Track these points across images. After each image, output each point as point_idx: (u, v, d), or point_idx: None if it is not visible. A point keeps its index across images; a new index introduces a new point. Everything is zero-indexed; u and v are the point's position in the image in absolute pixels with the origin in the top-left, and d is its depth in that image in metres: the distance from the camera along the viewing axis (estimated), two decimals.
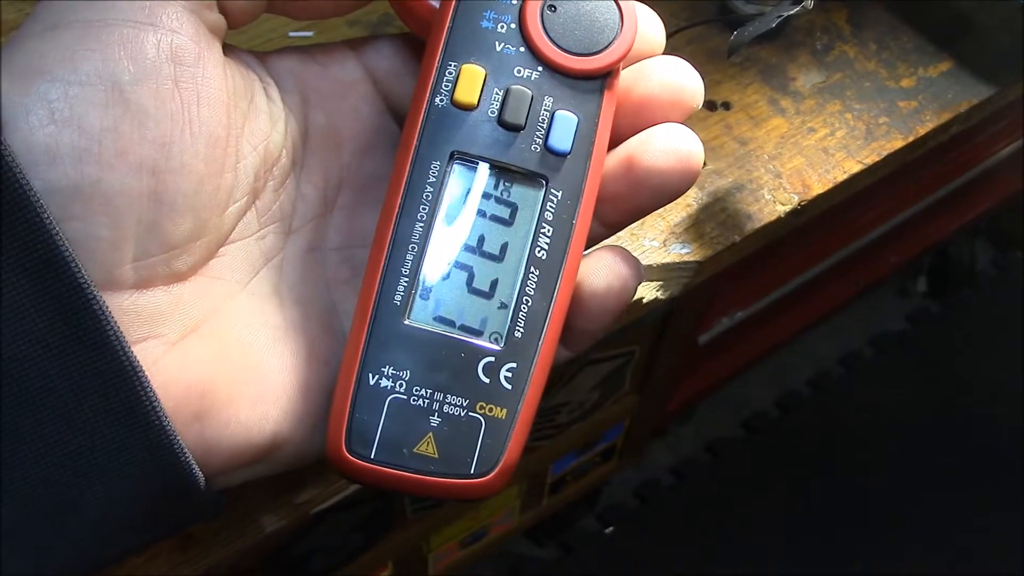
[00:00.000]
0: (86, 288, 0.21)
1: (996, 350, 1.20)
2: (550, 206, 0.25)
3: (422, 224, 0.25)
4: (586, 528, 1.10)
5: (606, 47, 0.25)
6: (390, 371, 0.25)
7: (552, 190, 0.25)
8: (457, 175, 0.25)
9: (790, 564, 1.07)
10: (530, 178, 0.26)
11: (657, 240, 0.44)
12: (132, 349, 0.22)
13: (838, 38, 0.52)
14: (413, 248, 0.25)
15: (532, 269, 0.25)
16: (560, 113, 0.25)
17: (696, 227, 0.44)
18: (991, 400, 1.17)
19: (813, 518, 1.09)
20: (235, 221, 0.25)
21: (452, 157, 0.25)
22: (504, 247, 0.26)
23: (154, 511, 0.24)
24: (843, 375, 1.21)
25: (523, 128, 0.25)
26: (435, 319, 0.25)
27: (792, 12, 0.40)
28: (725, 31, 0.50)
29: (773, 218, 0.45)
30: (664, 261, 0.43)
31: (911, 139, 0.48)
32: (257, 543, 0.39)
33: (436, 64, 0.25)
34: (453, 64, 0.25)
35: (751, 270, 0.75)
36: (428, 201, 0.25)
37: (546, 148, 0.25)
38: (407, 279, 0.25)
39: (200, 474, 0.23)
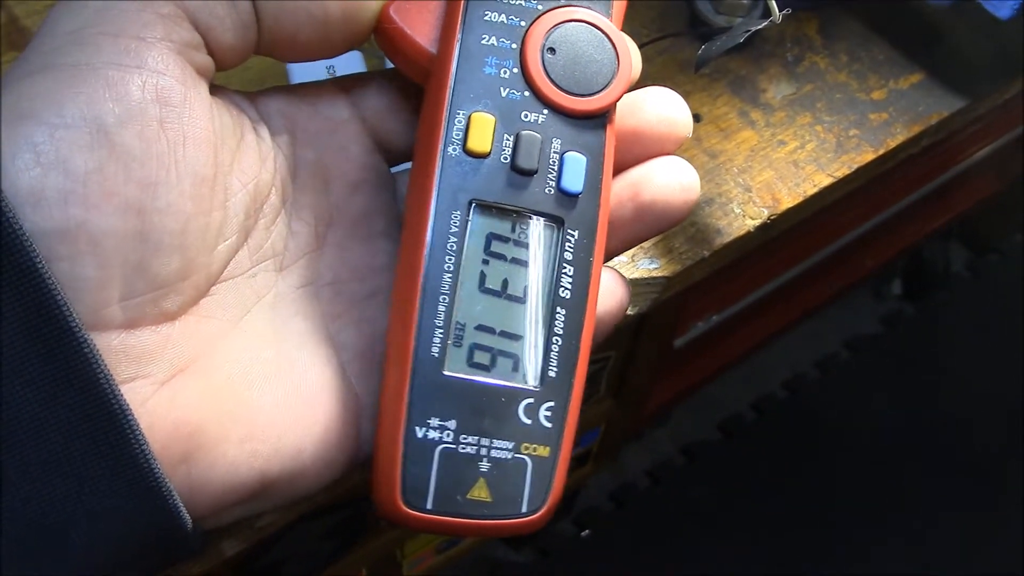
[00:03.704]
0: (77, 332, 0.21)
1: (970, 352, 1.21)
2: (568, 246, 0.26)
3: (450, 275, 0.25)
4: (562, 532, 1.10)
5: (606, 85, 0.26)
6: (436, 423, 0.25)
7: (568, 230, 0.26)
8: (477, 223, 0.26)
9: (766, 566, 1.07)
10: (546, 220, 0.26)
11: (625, 255, 0.43)
12: (122, 391, 0.22)
13: (809, 49, 0.51)
14: (444, 299, 0.25)
15: (558, 309, 0.26)
16: (569, 154, 0.26)
17: (664, 242, 0.44)
18: (965, 402, 1.17)
19: (789, 520, 1.09)
20: (226, 259, 0.25)
21: (471, 206, 0.25)
22: (527, 289, 0.26)
23: (141, 552, 0.24)
24: (818, 377, 1.21)
25: (536, 172, 0.26)
26: (471, 366, 0.25)
27: (760, 26, 0.40)
28: (696, 42, 0.50)
29: (742, 233, 0.45)
30: (632, 277, 0.43)
31: (881, 152, 0.48)
32: (216, 567, 0.39)
33: (444, 113, 0.25)
34: (462, 112, 0.25)
35: (726, 274, 0.75)
36: (453, 252, 0.25)
37: (559, 190, 0.26)
38: (442, 331, 0.25)
39: (188, 517, 0.23)
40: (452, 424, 0.25)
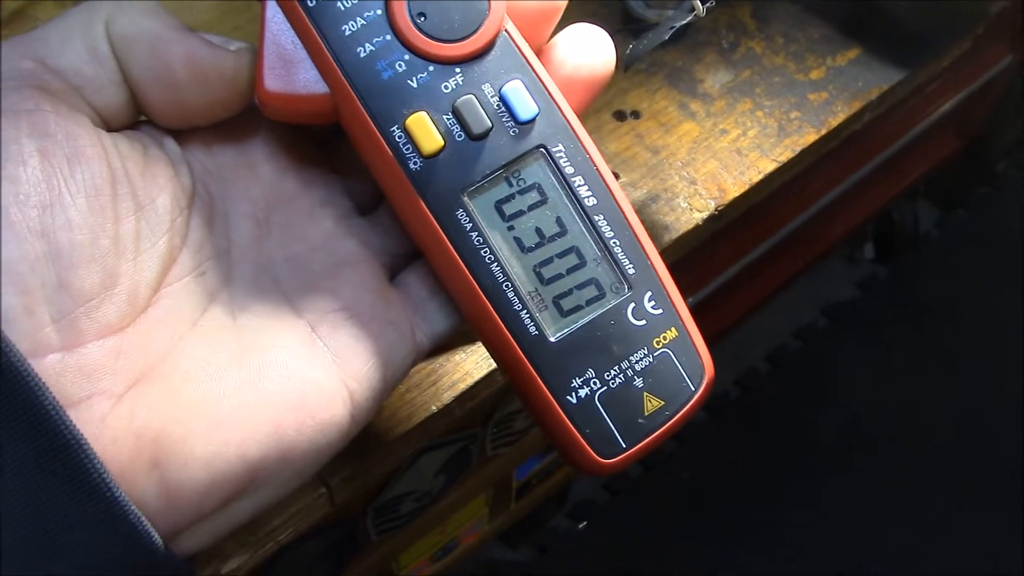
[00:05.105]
0: (19, 364, 0.21)
1: (946, 310, 1.21)
2: (563, 162, 0.27)
3: (495, 264, 0.26)
4: (558, 526, 1.10)
5: (488, 10, 0.26)
6: (578, 382, 0.27)
7: (552, 149, 0.26)
8: (480, 205, 0.26)
9: (758, 545, 1.07)
10: (530, 155, 0.26)
11: None
12: (74, 416, 0.22)
13: (744, 34, 0.51)
14: (507, 286, 0.26)
15: (595, 217, 0.27)
16: (505, 88, 0.26)
17: None
18: (947, 360, 1.18)
19: (782, 497, 1.10)
20: (160, 264, 0.25)
21: (464, 195, 0.26)
22: (559, 220, 0.27)
23: None
24: (800, 348, 1.22)
25: (492, 127, 0.26)
26: (566, 316, 0.27)
27: (685, 21, 0.40)
28: (630, 39, 0.50)
29: (691, 226, 0.45)
30: None
31: (824, 132, 0.48)
32: None
33: (381, 138, 0.26)
34: (395, 127, 0.26)
35: (696, 256, 0.75)
36: (482, 243, 0.26)
37: (519, 124, 0.26)
38: (524, 310, 0.26)
39: (159, 540, 0.23)
40: (590, 372, 0.27)
